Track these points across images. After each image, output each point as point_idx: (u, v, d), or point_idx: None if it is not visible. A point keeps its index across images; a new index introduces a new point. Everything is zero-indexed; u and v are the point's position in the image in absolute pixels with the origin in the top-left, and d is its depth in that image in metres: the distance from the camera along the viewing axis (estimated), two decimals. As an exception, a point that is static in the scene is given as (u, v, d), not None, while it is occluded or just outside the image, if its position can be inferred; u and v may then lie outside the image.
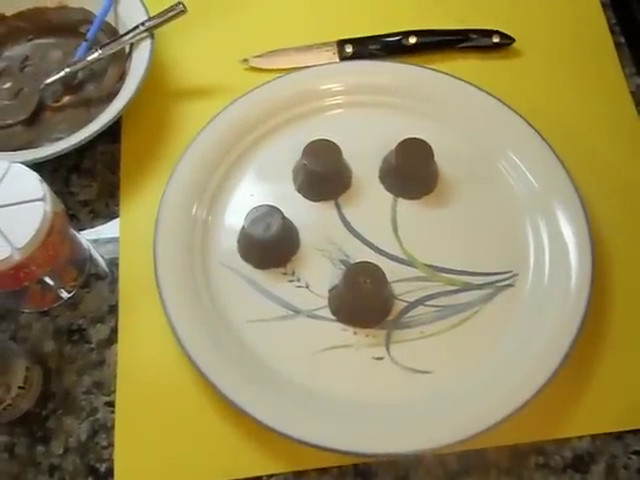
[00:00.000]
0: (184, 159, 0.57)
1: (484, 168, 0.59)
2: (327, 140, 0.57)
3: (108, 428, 0.50)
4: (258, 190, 0.58)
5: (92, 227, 0.58)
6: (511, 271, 0.56)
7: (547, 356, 0.50)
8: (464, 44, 0.65)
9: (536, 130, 0.58)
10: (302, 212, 0.57)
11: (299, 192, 0.58)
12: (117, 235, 0.58)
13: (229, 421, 0.50)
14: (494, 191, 0.59)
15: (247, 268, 0.55)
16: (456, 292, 0.55)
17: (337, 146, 0.57)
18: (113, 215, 0.59)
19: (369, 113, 0.62)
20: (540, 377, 0.49)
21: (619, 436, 0.51)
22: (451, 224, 0.57)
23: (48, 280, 0.52)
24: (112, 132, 0.61)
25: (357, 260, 0.53)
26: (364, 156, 0.59)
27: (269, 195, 0.58)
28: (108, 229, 0.58)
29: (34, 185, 0.47)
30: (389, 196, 0.58)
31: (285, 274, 0.55)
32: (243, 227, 0.54)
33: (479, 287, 0.55)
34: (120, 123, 0.62)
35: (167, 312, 0.51)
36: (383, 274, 0.51)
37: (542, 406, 0.48)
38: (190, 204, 0.56)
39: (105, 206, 0.59)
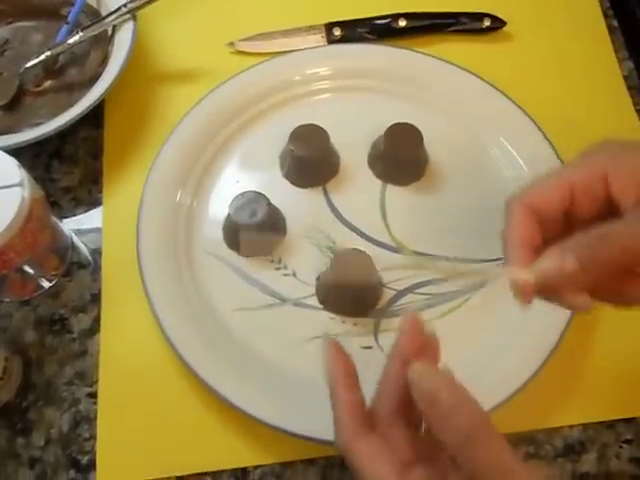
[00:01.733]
0: (168, 144, 0.56)
1: (475, 154, 0.58)
2: (314, 125, 0.55)
3: (90, 419, 0.49)
4: (244, 176, 0.57)
5: (74, 214, 0.57)
6: (501, 258, 0.54)
7: (538, 345, 0.49)
8: (455, 27, 0.64)
9: (528, 115, 0.57)
10: (289, 199, 0.56)
11: (286, 178, 0.57)
12: (100, 222, 0.56)
13: (214, 412, 0.49)
14: (485, 177, 0.58)
15: (232, 256, 0.54)
16: (445, 279, 0.54)
17: (325, 131, 0.55)
18: (96, 202, 0.57)
19: (358, 98, 0.60)
20: (530, 366, 0.48)
21: (611, 425, 0.50)
22: (441, 211, 0.56)
23: (28, 269, 0.51)
24: (94, 117, 0.60)
25: (345, 247, 0.52)
26: (352, 141, 0.58)
27: (255, 181, 0.56)
28: (91, 216, 0.57)
29: (12, 170, 0.46)
30: (378, 182, 0.57)
31: (272, 262, 0.54)
32: (228, 214, 0.52)
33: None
34: (103, 108, 0.61)
35: (150, 301, 0.50)
36: (371, 261, 0.50)
37: (533, 395, 0.47)
38: (174, 190, 0.55)
39: (87, 193, 0.58)
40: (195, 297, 0.52)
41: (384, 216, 0.56)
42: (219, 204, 0.55)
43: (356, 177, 0.58)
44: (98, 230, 0.56)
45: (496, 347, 0.51)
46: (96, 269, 0.54)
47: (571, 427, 0.50)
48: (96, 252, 0.55)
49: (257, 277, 0.53)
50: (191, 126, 0.57)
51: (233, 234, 0.53)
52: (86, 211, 0.57)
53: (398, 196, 0.57)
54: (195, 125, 0.57)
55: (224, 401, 0.47)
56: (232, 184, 0.56)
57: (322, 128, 0.55)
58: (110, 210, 0.57)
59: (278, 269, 0.53)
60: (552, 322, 0.50)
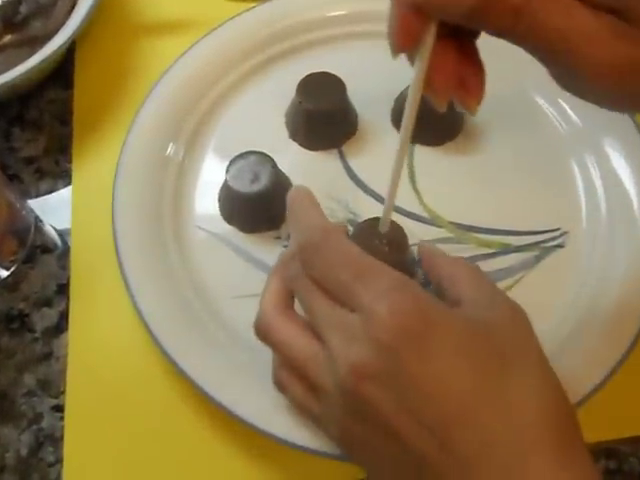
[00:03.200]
0: (152, 97, 0.47)
1: (518, 105, 0.49)
2: (328, 73, 0.46)
3: (55, 439, 0.39)
4: (243, 138, 0.47)
5: (38, 189, 0.48)
6: (559, 228, 0.45)
7: (610, 335, 0.40)
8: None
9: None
10: (298, 164, 0.46)
11: (294, 140, 0.48)
12: (69, 198, 0.47)
13: (208, 424, 0.39)
14: (531, 132, 0.48)
15: (231, 232, 0.44)
16: (492, 256, 0.44)
17: (340, 80, 0.46)
18: (64, 174, 0.48)
19: (378, 45, 0.49)
20: (604, 363, 0.38)
21: None
22: (481, 173, 0.47)
23: (-23, 253, 0.41)
24: (63, 76, 0.51)
25: (369, 218, 0.42)
26: (372, 95, 0.48)
27: (257, 144, 0.46)
28: (58, 190, 0.47)
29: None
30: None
31: (278, 238, 0.44)
32: (225, 180, 0.42)
33: (520, 249, 0.44)
34: (72, 65, 0.51)
35: (130, 290, 0.40)
36: (404, 234, 0.40)
37: (609, 400, 0.38)
38: (163, 145, 0.46)
39: (54, 164, 0.48)
40: (186, 284, 0.42)
41: (413, 182, 0.46)
42: (214, 170, 0.46)
43: (378, 136, 0.48)
44: (67, 207, 0.46)
45: (557, 339, 0.41)
46: (64, 254, 0.45)
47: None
48: (64, 233, 0.45)
49: (261, 257, 0.43)
50: (180, 77, 0.48)
51: (231, 205, 0.43)
52: (52, 185, 0.48)
53: (429, 158, 0.47)
54: (185, 76, 0.48)
55: (221, 408, 0.37)
56: (229, 147, 0.46)
57: (337, 77, 0.46)
58: (81, 184, 0.47)
59: (287, 247, 0.43)
60: (628, 307, 0.40)
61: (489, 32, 0.27)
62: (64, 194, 0.47)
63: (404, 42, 0.27)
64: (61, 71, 0.51)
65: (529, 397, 0.28)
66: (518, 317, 0.31)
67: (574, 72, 0.27)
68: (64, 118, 0.50)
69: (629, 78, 0.27)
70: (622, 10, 0.26)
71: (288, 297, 0.34)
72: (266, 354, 0.35)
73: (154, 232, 0.43)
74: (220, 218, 0.44)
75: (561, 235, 0.45)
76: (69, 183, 0.47)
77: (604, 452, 0.39)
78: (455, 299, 0.33)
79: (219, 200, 0.45)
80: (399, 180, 0.34)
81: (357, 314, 0.29)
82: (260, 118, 0.48)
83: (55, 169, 0.48)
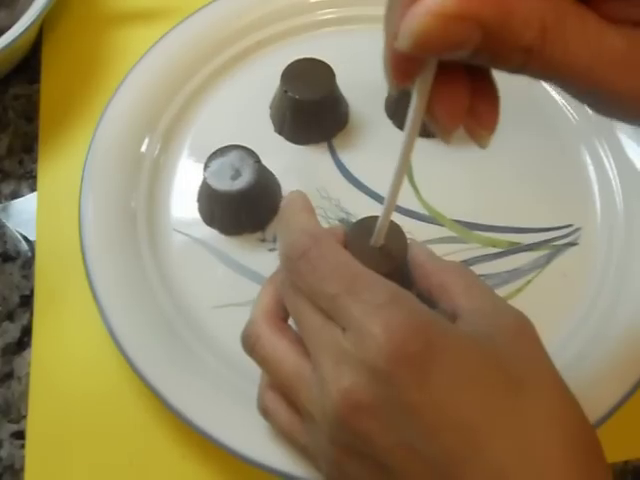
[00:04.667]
0: (124, 88, 0.43)
1: (526, 93, 0.45)
2: (315, 59, 0.42)
3: (15, 470, 0.35)
4: (225, 132, 0.43)
5: (0, 191, 0.43)
6: (572, 225, 0.41)
7: (634, 343, 0.36)
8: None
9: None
10: (285, 159, 0.42)
11: (280, 134, 0.44)
12: (34, 201, 0.42)
13: (186, 451, 0.35)
14: (540, 121, 0.44)
15: (212, 235, 0.40)
16: (500, 256, 0.40)
17: (329, 67, 0.42)
18: (28, 175, 0.44)
19: (370, 30, 0.46)
20: (627, 374, 0.35)
21: None
22: (485, 167, 0.43)
23: None
24: (28, 70, 0.47)
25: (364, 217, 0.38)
26: (364, 84, 0.44)
27: (240, 139, 0.42)
28: (22, 193, 0.43)
29: None
30: (400, 133, 0.43)
31: (263, 241, 0.40)
32: (204, 178, 0.38)
33: (530, 248, 0.40)
34: (38, 58, 0.48)
35: (99, 302, 0.36)
36: (402, 233, 0.36)
37: (634, 415, 0.34)
38: (137, 141, 0.42)
39: (18, 164, 0.44)
40: (162, 294, 0.38)
41: (410, 176, 0.42)
42: (192, 167, 0.42)
43: (371, 128, 0.44)
44: (31, 210, 0.42)
45: (573, 348, 0.37)
46: (27, 262, 0.41)
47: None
48: (28, 239, 0.41)
49: (245, 262, 0.39)
50: (153, 68, 0.44)
51: (211, 205, 0.39)
52: (16, 186, 0.44)
53: (427, 150, 0.43)
54: (160, 65, 0.44)
55: (208, 438, 0.33)
56: (209, 141, 0.42)
57: (325, 63, 0.42)
58: (46, 185, 0.43)
59: (272, 250, 0.39)
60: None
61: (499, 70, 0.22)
62: (28, 197, 0.43)
63: (400, 81, 0.22)
64: (26, 65, 0.47)
65: (548, 426, 0.24)
66: (525, 330, 0.27)
67: (604, 101, 0.22)
68: (30, 115, 0.46)
69: None
70: None
71: (282, 307, 0.30)
72: (249, 369, 0.31)
73: (126, 237, 0.39)
74: (200, 220, 0.40)
75: (574, 232, 0.41)
76: (34, 185, 0.43)
77: (631, 471, 0.35)
78: (450, 312, 0.29)
79: (198, 200, 0.41)
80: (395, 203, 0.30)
81: (349, 333, 0.25)
82: (243, 110, 0.44)
83: (19, 169, 0.44)
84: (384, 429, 0.24)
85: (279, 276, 0.30)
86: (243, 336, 0.30)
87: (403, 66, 0.22)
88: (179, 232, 0.40)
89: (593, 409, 0.33)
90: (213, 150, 0.39)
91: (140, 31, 0.49)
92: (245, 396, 0.33)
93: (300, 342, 0.28)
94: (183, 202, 0.41)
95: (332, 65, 0.42)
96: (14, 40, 0.42)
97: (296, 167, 0.42)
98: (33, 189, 0.43)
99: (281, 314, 0.30)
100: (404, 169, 0.28)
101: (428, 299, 0.31)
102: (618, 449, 0.35)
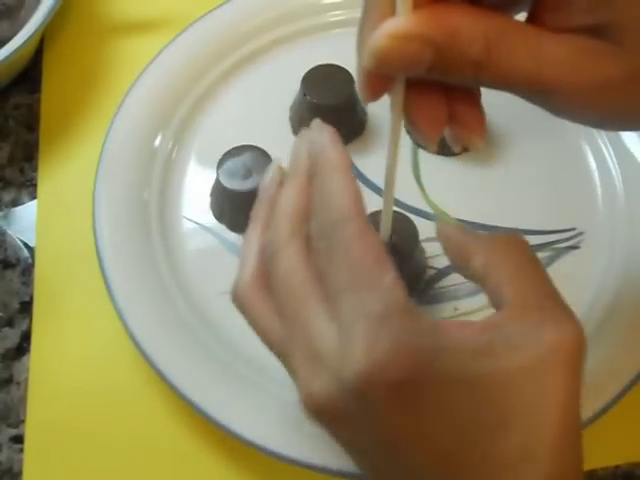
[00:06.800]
0: (139, 85, 0.44)
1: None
2: (335, 65, 0.43)
3: (14, 474, 0.35)
4: (240, 133, 0.43)
5: (1, 199, 0.44)
6: (574, 228, 0.41)
7: (631, 346, 0.36)
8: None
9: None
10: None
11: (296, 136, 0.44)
12: (34, 209, 0.43)
13: (189, 450, 0.35)
14: (542, 123, 0.44)
15: (221, 229, 0.41)
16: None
17: (348, 73, 0.42)
18: (29, 183, 0.44)
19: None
20: (623, 376, 0.35)
21: None
22: (490, 168, 0.43)
23: None
24: (29, 79, 0.48)
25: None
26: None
27: (257, 140, 0.42)
28: (23, 201, 0.44)
29: None
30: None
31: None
32: (217, 175, 0.39)
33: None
34: (39, 68, 0.48)
35: (113, 297, 0.36)
36: (414, 226, 0.37)
37: (626, 419, 0.34)
38: (151, 137, 0.43)
39: (19, 172, 0.45)
40: (171, 283, 0.39)
41: (417, 176, 0.43)
42: (206, 164, 0.43)
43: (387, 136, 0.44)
44: (32, 218, 0.42)
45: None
46: (27, 268, 0.41)
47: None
48: (28, 246, 0.41)
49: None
50: (170, 64, 0.44)
51: (221, 202, 0.40)
52: (17, 194, 0.44)
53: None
54: (176, 61, 0.45)
55: (224, 431, 0.33)
56: (224, 141, 0.42)
57: (345, 69, 0.42)
58: (46, 193, 0.43)
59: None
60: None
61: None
62: (28, 204, 0.43)
63: (371, 96, 0.25)
64: (28, 74, 0.47)
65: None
66: (556, 358, 0.24)
67: (557, 105, 0.24)
68: (30, 124, 0.46)
69: (620, 97, 0.24)
70: (601, 28, 0.23)
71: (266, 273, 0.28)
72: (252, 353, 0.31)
73: (137, 227, 0.40)
74: (210, 215, 0.41)
75: (577, 235, 0.41)
76: (34, 192, 0.43)
77: (621, 476, 0.35)
78: (496, 301, 0.26)
79: (211, 195, 0.42)
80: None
81: (334, 328, 0.24)
82: (258, 111, 0.45)
83: (19, 178, 0.44)
84: (350, 434, 0.24)
85: (270, 235, 0.27)
86: (231, 299, 0.28)
87: (373, 82, 0.24)
88: (189, 220, 0.41)
89: (589, 409, 0.33)
90: (226, 148, 0.40)
91: (140, 41, 0.49)
92: (256, 385, 0.34)
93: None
94: (196, 199, 0.42)
95: (350, 69, 0.43)
96: (15, 50, 0.43)
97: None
98: (33, 197, 0.43)
99: (265, 281, 0.27)
100: (392, 178, 0.28)
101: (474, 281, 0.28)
102: (609, 454, 0.35)
